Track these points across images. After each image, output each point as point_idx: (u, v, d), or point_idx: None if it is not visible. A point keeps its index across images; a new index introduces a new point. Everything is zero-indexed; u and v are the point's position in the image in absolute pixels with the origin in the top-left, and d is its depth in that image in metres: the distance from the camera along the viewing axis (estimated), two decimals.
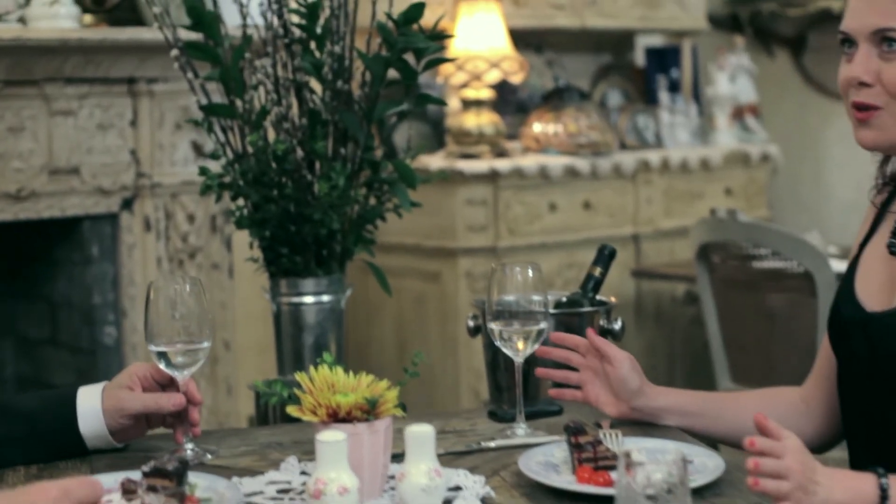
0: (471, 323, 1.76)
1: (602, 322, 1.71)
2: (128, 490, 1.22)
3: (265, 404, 1.81)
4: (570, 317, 1.69)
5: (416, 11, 1.73)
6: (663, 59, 4.64)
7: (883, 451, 1.46)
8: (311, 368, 1.25)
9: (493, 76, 3.73)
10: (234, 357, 3.36)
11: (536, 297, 1.50)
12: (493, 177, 3.73)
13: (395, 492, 1.27)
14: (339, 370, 1.26)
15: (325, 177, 1.86)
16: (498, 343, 1.53)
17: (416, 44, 1.76)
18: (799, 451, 1.19)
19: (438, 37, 1.79)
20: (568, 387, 1.59)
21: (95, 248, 3.12)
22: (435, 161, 3.75)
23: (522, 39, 4.01)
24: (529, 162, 3.81)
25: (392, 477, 1.33)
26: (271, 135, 1.90)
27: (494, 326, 1.52)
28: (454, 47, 3.67)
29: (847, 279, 1.55)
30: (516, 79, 3.80)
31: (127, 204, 3.11)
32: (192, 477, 1.30)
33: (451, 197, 3.68)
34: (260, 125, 1.88)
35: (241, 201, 1.91)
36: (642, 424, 1.58)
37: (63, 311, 3.21)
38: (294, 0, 1.92)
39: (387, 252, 3.46)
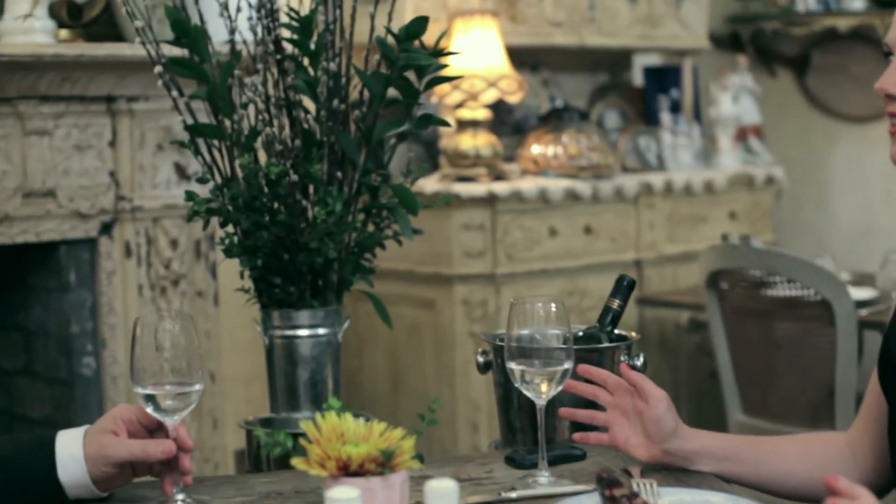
0: (480, 359, 1.67)
1: (623, 358, 1.63)
2: None
3: (257, 442, 1.73)
4: (589, 353, 1.61)
5: (418, 26, 1.65)
6: (662, 78, 4.60)
7: None
8: (318, 416, 1.16)
9: (491, 95, 3.66)
10: (220, 389, 3.31)
11: (560, 334, 1.41)
12: (490, 200, 3.66)
13: None
14: (348, 417, 1.17)
15: (320, 202, 1.78)
16: (518, 385, 1.44)
17: (418, 61, 1.68)
18: None
19: (442, 53, 1.71)
20: (593, 428, 1.51)
21: (73, 275, 3.06)
22: (429, 184, 3.69)
23: (517, 58, 3.96)
24: (528, 185, 3.75)
25: None
26: (262, 157, 1.83)
27: (515, 367, 1.43)
28: (450, 65, 3.60)
29: None
30: (514, 98, 3.74)
31: (106, 228, 3.06)
32: None
33: (446, 221, 3.62)
34: (250, 147, 1.81)
35: (230, 228, 1.84)
36: (674, 470, 1.50)
37: (39, 340, 3.15)
38: (286, 13, 1.85)
39: (379, 279, 3.38)
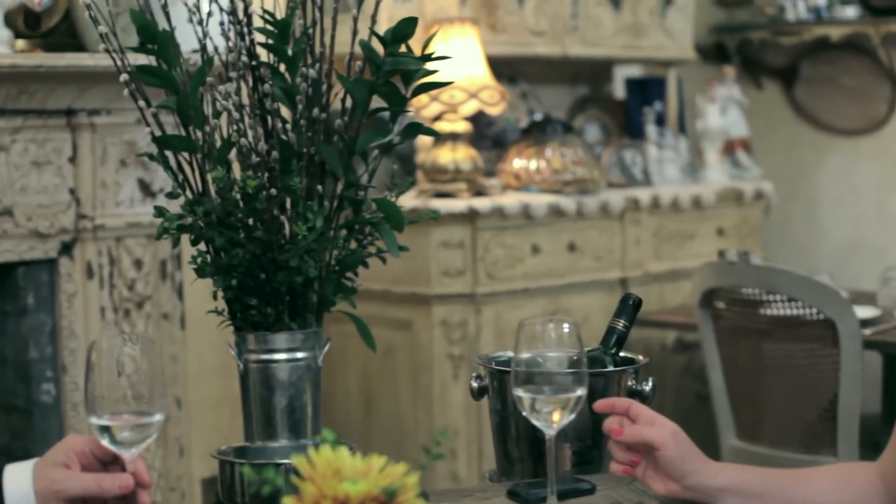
0: (475, 384, 1.60)
1: (631, 383, 1.56)
2: None
3: (231, 473, 1.66)
4: (594, 378, 1.54)
5: (407, 27, 1.59)
6: (645, 90, 4.57)
7: None
8: (311, 450, 1.09)
9: (471, 107, 3.61)
10: (187, 415, 3.27)
11: (571, 357, 1.34)
12: (470, 217, 3.61)
13: None
14: (344, 451, 1.10)
15: (300, 217, 1.72)
16: (526, 414, 1.37)
17: (406, 65, 1.62)
18: None
19: (432, 58, 1.65)
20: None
21: (31, 298, 3.02)
22: (406, 201, 3.63)
23: (495, 70, 3.92)
24: (511, 200, 3.70)
25: None
26: (236, 170, 1.77)
27: (523, 394, 1.36)
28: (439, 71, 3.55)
29: None
30: (496, 110, 3.69)
31: (66, 248, 3.01)
32: None
33: (424, 239, 3.56)
34: (224, 159, 1.75)
35: (201, 246, 1.77)
36: None
37: None
38: (260, 16, 1.79)
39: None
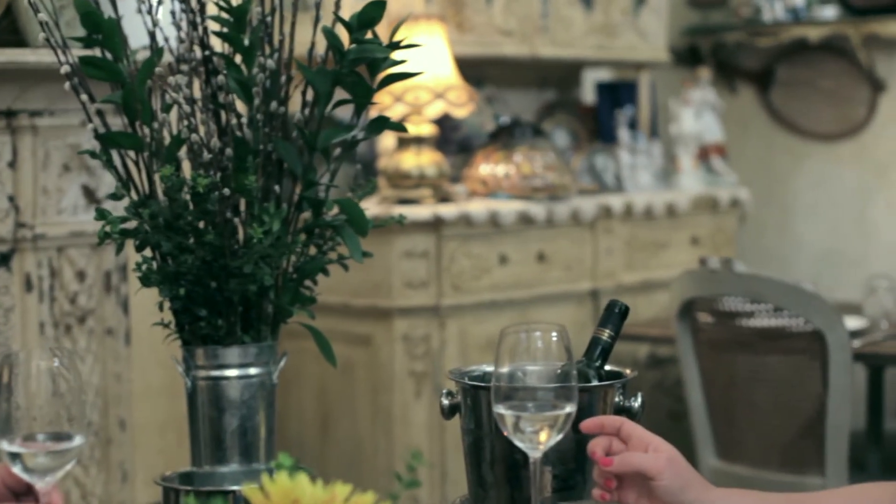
0: (445, 401, 1.51)
1: (618, 398, 1.48)
2: None
3: (176, 502, 1.59)
4: (578, 393, 1.46)
5: (374, 10, 1.52)
6: (616, 94, 4.53)
7: None
8: (265, 476, 1.01)
9: (437, 108, 3.54)
10: (131, 438, 3.18)
11: (558, 370, 1.26)
12: (435, 225, 3.54)
13: None
14: (304, 478, 1.02)
15: (255, 220, 1.66)
16: (508, 434, 1.28)
17: (373, 53, 1.55)
18: None
19: (400, 46, 1.58)
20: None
21: None
22: (367, 207, 3.55)
23: (461, 73, 3.86)
24: (478, 207, 3.63)
25: None
26: (186, 169, 1.71)
27: (504, 412, 1.27)
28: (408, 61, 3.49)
29: None
30: (462, 112, 3.63)
31: (3, 260, 2.92)
32: None
33: (386, 248, 3.49)
34: (173, 157, 1.68)
35: (147, 252, 1.71)
36: None
37: None
38: (215, 3, 1.72)
39: None
